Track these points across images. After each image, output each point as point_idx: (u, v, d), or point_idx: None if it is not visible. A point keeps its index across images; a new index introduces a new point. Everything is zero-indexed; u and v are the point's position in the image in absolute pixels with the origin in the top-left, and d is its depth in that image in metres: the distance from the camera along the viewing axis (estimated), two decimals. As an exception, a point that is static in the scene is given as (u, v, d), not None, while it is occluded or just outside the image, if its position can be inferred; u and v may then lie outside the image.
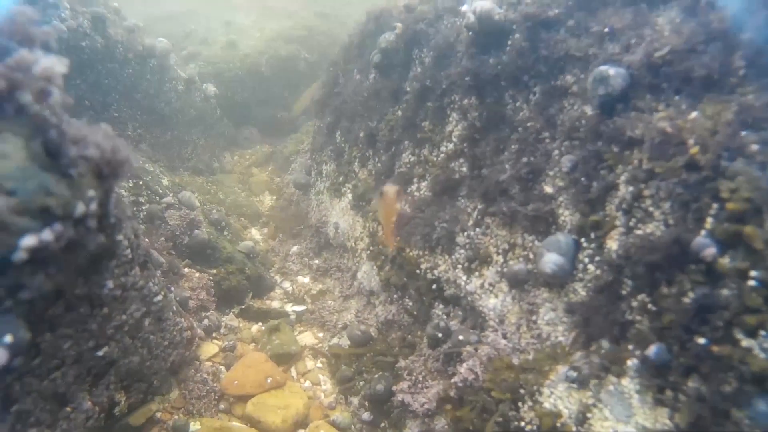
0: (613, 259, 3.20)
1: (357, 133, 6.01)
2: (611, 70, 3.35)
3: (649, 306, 2.95)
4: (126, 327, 3.62)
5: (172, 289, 5.13)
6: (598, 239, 3.36)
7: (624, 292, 3.12)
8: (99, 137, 1.90)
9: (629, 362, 2.99)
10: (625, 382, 2.99)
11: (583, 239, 3.45)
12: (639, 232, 3.08)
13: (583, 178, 3.46)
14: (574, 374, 3.16)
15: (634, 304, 3.05)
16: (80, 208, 1.88)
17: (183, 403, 4.48)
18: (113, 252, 2.94)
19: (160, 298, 3.91)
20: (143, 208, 6.07)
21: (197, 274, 5.81)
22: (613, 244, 3.25)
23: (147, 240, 5.65)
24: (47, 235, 1.88)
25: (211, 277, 5.83)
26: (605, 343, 3.17)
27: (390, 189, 5.14)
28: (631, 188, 3.17)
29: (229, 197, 7.93)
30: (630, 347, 3.02)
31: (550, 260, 3.42)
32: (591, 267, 3.38)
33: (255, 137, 10.27)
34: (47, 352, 2.96)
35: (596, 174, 3.39)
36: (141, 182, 6.23)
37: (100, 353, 3.43)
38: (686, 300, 2.75)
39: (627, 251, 3.09)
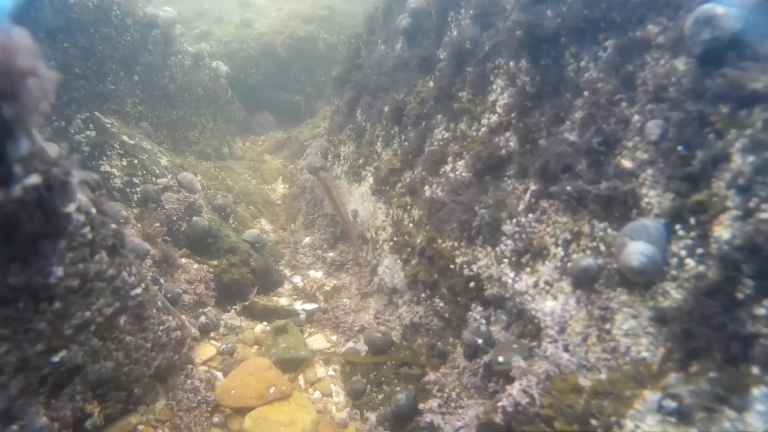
0: (725, 251, 2.41)
1: (380, 109, 5.24)
2: (719, 9, 2.57)
3: (784, 315, 2.17)
4: (93, 326, 2.90)
5: (162, 281, 4.40)
6: (701, 225, 2.56)
7: (741, 296, 2.33)
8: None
9: (756, 391, 2.18)
10: (751, 419, 2.17)
11: (678, 226, 2.66)
12: (765, 215, 2.29)
13: (680, 147, 2.66)
14: (673, 404, 2.35)
15: (760, 311, 2.25)
16: None
17: (170, 415, 3.80)
18: (60, 229, 2.19)
19: (138, 291, 3.18)
20: (137, 189, 5.37)
21: (195, 266, 5.09)
22: (723, 232, 2.45)
23: (139, 225, 4.94)
24: None
25: (211, 270, 5.11)
26: (715, 365, 2.37)
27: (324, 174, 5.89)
28: (751, 158, 2.38)
29: (238, 184, 7.20)
30: (755, 370, 2.22)
31: (638, 250, 2.61)
32: (690, 262, 2.58)
33: (269, 123, 9.55)
34: (-28, 359, 2.25)
35: (699, 141, 2.60)
36: (136, 161, 5.54)
37: (56, 359, 2.71)
38: None
39: (748, 241, 2.30)
